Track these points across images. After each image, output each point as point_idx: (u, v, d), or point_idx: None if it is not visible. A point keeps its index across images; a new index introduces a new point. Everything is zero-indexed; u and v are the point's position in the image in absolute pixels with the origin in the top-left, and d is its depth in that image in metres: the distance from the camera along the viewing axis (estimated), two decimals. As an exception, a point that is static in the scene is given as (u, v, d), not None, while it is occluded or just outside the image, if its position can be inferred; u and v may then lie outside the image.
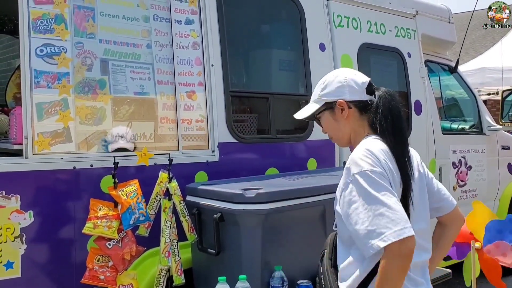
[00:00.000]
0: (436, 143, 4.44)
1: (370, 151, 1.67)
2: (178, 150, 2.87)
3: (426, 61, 4.57)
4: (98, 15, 2.66)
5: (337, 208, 1.73)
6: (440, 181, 4.43)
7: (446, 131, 4.80)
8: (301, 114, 1.96)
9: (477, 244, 2.69)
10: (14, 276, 2.33)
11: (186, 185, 2.72)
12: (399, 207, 1.56)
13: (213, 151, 3.00)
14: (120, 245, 2.34)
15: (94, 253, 2.35)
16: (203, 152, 2.98)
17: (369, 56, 4.06)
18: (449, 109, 5.57)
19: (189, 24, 3.02)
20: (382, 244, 1.50)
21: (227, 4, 3.14)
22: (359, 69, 3.75)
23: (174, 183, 2.55)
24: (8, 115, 3.60)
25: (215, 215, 2.41)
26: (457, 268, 3.15)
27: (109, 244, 2.31)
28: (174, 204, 2.55)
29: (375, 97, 1.80)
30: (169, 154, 2.62)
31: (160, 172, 2.57)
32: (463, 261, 2.84)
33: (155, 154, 2.61)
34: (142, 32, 2.83)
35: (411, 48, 4.27)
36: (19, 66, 4.34)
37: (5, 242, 2.30)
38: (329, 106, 1.86)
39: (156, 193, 2.54)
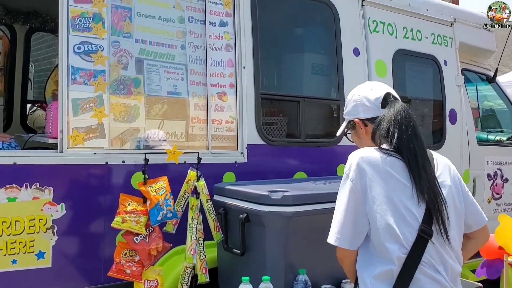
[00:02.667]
0: (471, 153, 4.32)
1: (358, 160, 1.73)
2: (208, 150, 2.89)
3: (463, 70, 4.47)
4: (135, 15, 2.73)
5: None
6: (473, 193, 4.38)
7: (482, 142, 4.67)
8: (339, 131, 2.07)
9: (510, 258, 2.60)
10: (45, 266, 2.40)
11: (214, 184, 2.74)
12: (342, 218, 1.71)
13: (241, 153, 3.02)
14: (147, 240, 2.37)
15: (122, 247, 2.40)
16: (231, 153, 3.00)
17: (404, 63, 4.00)
18: (486, 120, 5.42)
19: (223, 26, 3.05)
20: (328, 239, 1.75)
21: (261, 7, 3.16)
22: (394, 76, 3.73)
23: (202, 182, 2.58)
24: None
25: (241, 216, 2.42)
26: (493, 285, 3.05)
27: (137, 239, 2.35)
28: (201, 203, 2.57)
29: (388, 110, 1.80)
30: (198, 153, 2.65)
31: (188, 170, 2.60)
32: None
33: (184, 153, 2.65)
34: (177, 33, 2.88)
35: (447, 56, 4.19)
36: (58, 64, 4.50)
37: (37, 233, 2.37)
38: (350, 125, 1.96)
39: (184, 191, 2.57)
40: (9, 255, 2.31)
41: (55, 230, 2.41)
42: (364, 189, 1.69)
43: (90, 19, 2.56)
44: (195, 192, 2.58)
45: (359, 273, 1.77)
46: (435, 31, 4.11)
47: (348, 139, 2.05)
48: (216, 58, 3.01)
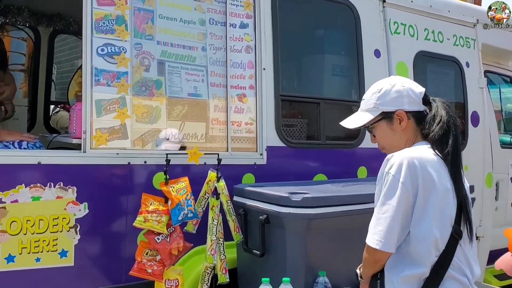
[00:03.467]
0: (494, 156, 4.25)
1: (413, 162, 1.66)
2: (227, 151, 2.91)
3: (486, 72, 4.41)
4: (157, 18, 2.76)
5: None
6: (496, 196, 4.30)
7: (505, 145, 4.60)
8: (353, 122, 1.92)
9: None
10: (67, 264, 2.44)
11: (233, 185, 2.75)
12: (392, 222, 1.66)
13: (261, 154, 3.02)
14: (168, 240, 2.39)
15: (143, 246, 2.42)
16: (251, 154, 3.01)
17: (426, 65, 3.96)
18: (510, 123, 5.33)
19: (243, 28, 3.07)
20: (366, 241, 1.72)
21: (281, 9, 3.16)
22: (415, 78, 3.69)
23: (222, 183, 2.59)
24: (69, 112, 3.80)
25: (261, 217, 2.42)
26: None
27: (158, 239, 2.37)
28: (221, 204, 2.58)
29: (430, 108, 1.79)
30: (218, 154, 2.66)
31: (209, 171, 2.61)
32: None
33: (205, 154, 2.66)
34: (198, 35, 2.90)
35: (470, 58, 4.13)
36: (81, 66, 4.58)
37: (60, 232, 2.41)
38: (386, 116, 1.81)
39: (205, 192, 2.58)
40: (33, 253, 2.35)
41: (78, 229, 2.45)
42: (415, 193, 1.66)
43: (113, 21, 2.59)
44: (215, 193, 2.59)
45: (387, 274, 1.75)
46: (457, 32, 4.07)
47: (369, 131, 1.91)
48: (236, 60, 3.03)
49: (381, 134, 1.86)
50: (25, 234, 2.32)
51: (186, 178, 2.54)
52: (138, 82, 2.66)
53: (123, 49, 2.61)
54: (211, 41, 2.94)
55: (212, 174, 2.59)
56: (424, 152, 1.71)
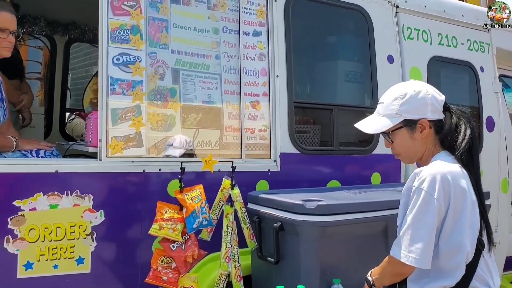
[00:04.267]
0: (510, 162, 4.21)
1: (445, 177, 1.65)
2: (241, 158, 2.92)
3: (501, 76, 4.37)
4: (171, 27, 2.78)
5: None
6: (512, 202, 4.24)
7: (521, 149, 4.53)
8: (371, 127, 1.86)
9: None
10: (84, 271, 2.46)
11: (247, 192, 2.76)
12: (428, 239, 1.64)
13: (275, 161, 3.03)
14: (183, 247, 2.41)
15: (159, 254, 2.44)
16: (265, 161, 3.02)
17: (439, 70, 3.93)
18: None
19: (256, 35, 3.08)
20: (395, 255, 1.70)
21: (294, 16, 3.17)
22: (428, 83, 3.65)
23: (237, 190, 2.60)
24: (85, 119, 3.85)
25: (275, 224, 2.43)
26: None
27: (173, 246, 2.39)
28: (235, 211, 2.60)
29: (450, 116, 1.77)
30: (232, 161, 2.68)
31: (223, 178, 2.63)
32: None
33: (219, 161, 2.68)
34: (212, 44, 2.92)
35: (484, 62, 4.10)
36: (96, 73, 4.63)
37: (77, 239, 2.44)
38: (408, 124, 1.77)
39: (219, 199, 2.60)
40: (50, 260, 2.38)
41: (94, 237, 2.48)
42: (447, 208, 1.65)
43: (128, 31, 2.63)
44: (230, 200, 2.60)
45: (410, 285, 1.75)
46: (471, 37, 4.04)
47: (386, 136, 1.85)
48: (250, 67, 3.04)
49: (400, 141, 1.81)
50: (43, 242, 2.36)
51: (201, 186, 2.55)
52: (153, 90, 2.69)
53: (138, 58, 2.65)
54: (224, 49, 2.97)
55: (226, 182, 2.60)
56: (452, 166, 1.70)
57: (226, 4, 2.98)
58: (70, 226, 2.42)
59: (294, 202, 2.41)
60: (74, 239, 2.43)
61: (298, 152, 3.10)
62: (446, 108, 1.79)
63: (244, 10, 3.03)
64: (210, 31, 2.92)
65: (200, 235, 2.55)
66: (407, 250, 1.65)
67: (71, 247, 2.42)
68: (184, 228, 2.42)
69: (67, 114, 4.63)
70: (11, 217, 2.29)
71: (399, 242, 1.69)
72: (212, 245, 2.60)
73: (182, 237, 2.42)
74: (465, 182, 1.68)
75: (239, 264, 2.54)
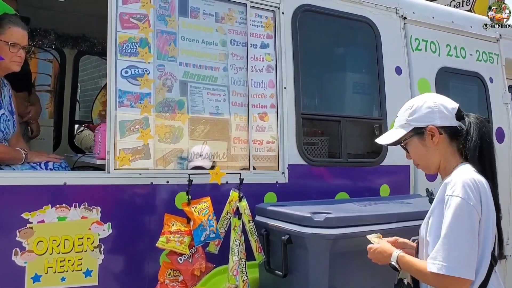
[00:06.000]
0: (520, 173, 4.16)
1: (476, 184, 1.65)
2: (249, 170, 2.91)
3: (510, 87, 4.33)
4: (179, 39, 2.80)
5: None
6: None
7: (532, 161, 4.48)
8: (386, 139, 1.94)
9: None
10: (92, 284, 2.46)
11: (255, 204, 2.75)
12: (468, 247, 1.60)
13: (282, 173, 3.02)
14: (190, 260, 2.40)
15: (166, 267, 2.43)
16: (273, 173, 3.01)
17: (448, 81, 3.92)
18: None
19: (264, 48, 3.10)
20: (435, 270, 1.61)
21: (301, 28, 3.18)
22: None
23: (244, 203, 2.59)
24: (93, 131, 3.87)
25: (283, 237, 2.42)
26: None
27: (180, 259, 2.38)
28: (243, 223, 2.58)
29: (465, 123, 1.79)
30: (240, 173, 2.67)
31: (231, 191, 2.62)
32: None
33: (227, 173, 2.67)
34: (220, 56, 2.94)
35: (493, 73, 4.08)
36: (105, 85, 4.66)
37: (85, 251, 2.44)
38: (418, 132, 1.83)
39: (227, 211, 2.59)
40: (58, 272, 2.38)
41: (102, 249, 2.48)
42: (480, 216, 1.64)
43: (137, 44, 2.65)
44: (237, 213, 2.59)
45: None
46: (480, 48, 4.03)
47: (403, 148, 1.90)
48: (257, 79, 3.05)
49: (414, 150, 1.87)
50: (51, 254, 2.36)
51: (208, 198, 2.55)
52: (161, 102, 2.70)
53: (146, 70, 2.66)
54: (232, 61, 2.98)
55: (234, 194, 2.59)
56: (476, 174, 1.70)
57: (234, 17, 2.99)
58: (78, 239, 2.42)
59: (302, 215, 2.39)
60: (82, 251, 2.43)
61: (306, 163, 3.09)
62: (461, 116, 1.81)
63: (252, 22, 3.05)
64: (218, 44, 2.93)
65: (207, 248, 2.54)
66: (447, 261, 1.59)
67: (79, 259, 2.42)
68: (191, 241, 2.41)
69: (76, 126, 4.66)
70: (20, 230, 2.30)
71: (438, 255, 1.62)
72: (220, 258, 2.59)
73: (189, 250, 2.41)
74: (488, 193, 1.68)
75: (246, 278, 2.52)
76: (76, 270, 2.42)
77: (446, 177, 1.77)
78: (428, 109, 1.81)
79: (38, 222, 2.34)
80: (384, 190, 3.38)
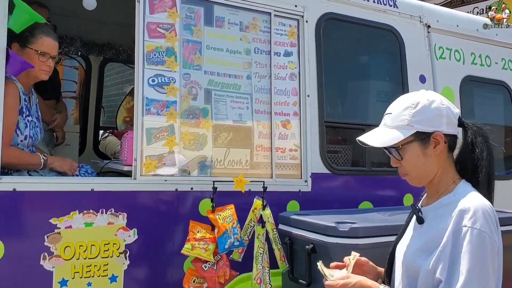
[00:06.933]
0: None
1: (494, 213, 1.45)
2: (272, 178, 2.92)
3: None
4: (205, 48, 2.83)
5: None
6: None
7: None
8: (378, 140, 1.60)
9: None
10: (117, 289, 2.49)
11: (277, 213, 2.75)
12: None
13: (305, 181, 3.02)
14: (215, 268, 2.42)
15: (191, 273, 2.45)
16: (295, 181, 3.01)
17: (473, 89, 3.88)
18: None
19: (287, 56, 3.11)
20: None
21: (325, 36, 3.19)
22: (462, 103, 3.62)
23: (268, 211, 2.60)
24: (118, 137, 3.93)
25: (307, 246, 2.41)
26: None
27: (205, 266, 2.40)
28: (267, 232, 2.59)
29: (465, 132, 1.58)
30: (263, 182, 2.68)
31: (254, 199, 2.63)
32: None
33: (250, 181, 2.69)
34: (243, 64, 2.96)
35: (519, 82, 4.03)
36: (129, 92, 4.73)
37: (111, 257, 2.47)
38: (421, 137, 1.53)
39: (250, 219, 2.60)
40: (84, 277, 2.42)
41: (127, 255, 2.51)
42: (498, 248, 1.45)
43: (163, 53, 2.69)
44: (261, 221, 2.60)
45: None
46: (506, 56, 3.98)
47: (394, 151, 1.57)
48: (281, 87, 3.06)
49: (410, 157, 1.55)
50: (77, 259, 2.40)
51: (232, 206, 2.56)
52: (186, 110, 2.74)
53: (172, 79, 2.70)
54: (256, 70, 3.00)
55: (257, 202, 2.60)
56: (484, 198, 1.51)
57: (258, 26, 3.02)
58: (104, 244, 2.46)
59: (326, 224, 2.39)
60: (107, 257, 2.46)
61: (330, 172, 3.09)
62: (460, 124, 1.58)
63: (276, 31, 3.07)
64: (242, 52, 2.96)
65: (231, 256, 2.55)
66: None
67: (104, 265, 2.46)
68: (216, 248, 2.42)
69: (101, 132, 4.73)
70: (48, 235, 2.34)
71: None
72: (243, 266, 2.60)
73: (214, 257, 2.42)
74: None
75: (270, 286, 2.53)
76: (102, 276, 2.45)
77: (442, 192, 1.56)
78: (436, 111, 1.52)
79: (66, 228, 2.38)
80: (408, 199, 3.35)
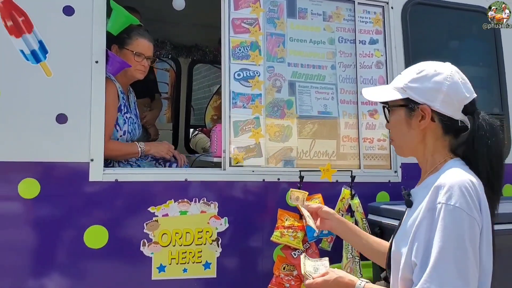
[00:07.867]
0: None
1: (474, 187, 1.34)
2: (360, 169, 2.88)
3: None
4: (288, 41, 2.87)
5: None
6: None
7: None
8: (373, 94, 1.59)
9: None
10: (210, 276, 2.59)
11: (366, 204, 2.71)
12: (472, 276, 1.28)
13: (395, 172, 2.94)
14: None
15: (281, 261, 2.49)
16: (385, 172, 2.94)
17: None
18: None
19: (373, 44, 3.05)
20: None
21: (412, 22, 3.08)
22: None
23: (357, 200, 2.57)
24: (207, 135, 4.08)
25: (399, 235, 2.34)
26: None
27: (295, 254, 2.42)
28: (356, 221, 2.56)
29: (473, 121, 1.46)
30: (351, 171, 2.65)
31: (342, 188, 2.61)
32: None
33: (338, 171, 2.67)
34: (327, 54, 2.95)
35: None
36: (216, 91, 4.90)
37: (204, 244, 2.59)
38: (409, 105, 1.47)
39: (339, 209, 2.59)
40: (180, 263, 2.55)
41: (219, 242, 2.60)
42: (481, 226, 1.33)
43: (248, 47, 2.76)
44: (350, 210, 2.58)
45: None
46: None
47: (386, 111, 1.57)
48: (367, 76, 3.01)
49: (395, 122, 1.52)
50: (174, 246, 2.53)
51: (320, 195, 2.57)
52: (271, 103, 2.78)
53: (257, 73, 2.76)
54: (340, 59, 2.97)
55: (346, 191, 2.58)
56: (471, 175, 1.39)
57: (342, 15, 3.00)
58: (198, 232, 2.57)
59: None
60: (201, 244, 2.57)
61: (420, 162, 2.97)
62: (471, 111, 1.47)
63: (360, 19, 3.02)
64: (325, 42, 2.95)
65: (320, 245, 2.56)
66: (459, 280, 1.25)
67: (198, 252, 2.57)
68: (304, 237, 2.44)
69: (191, 130, 4.96)
70: (147, 222, 2.50)
71: (432, 284, 1.26)
72: (333, 255, 2.58)
73: (303, 245, 2.44)
74: (486, 202, 1.37)
75: (361, 275, 2.49)
76: (196, 262, 2.57)
77: (431, 172, 1.49)
78: (435, 84, 1.43)
79: (163, 216, 2.52)
80: (508, 190, 3.13)
